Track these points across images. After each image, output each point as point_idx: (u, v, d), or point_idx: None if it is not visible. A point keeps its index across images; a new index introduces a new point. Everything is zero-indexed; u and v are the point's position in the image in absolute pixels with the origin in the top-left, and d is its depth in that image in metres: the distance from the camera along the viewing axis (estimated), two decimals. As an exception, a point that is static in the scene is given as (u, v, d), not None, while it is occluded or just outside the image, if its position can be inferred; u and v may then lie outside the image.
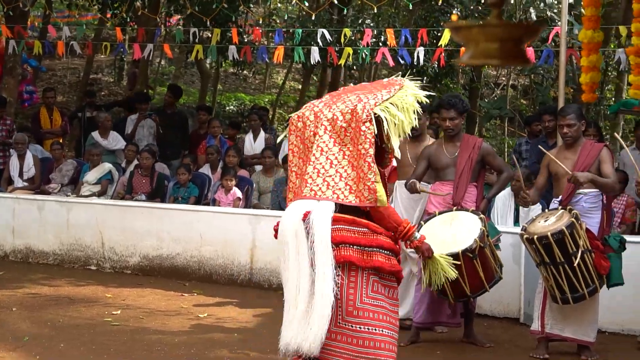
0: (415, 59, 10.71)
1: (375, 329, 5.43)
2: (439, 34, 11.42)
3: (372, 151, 5.48)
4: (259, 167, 11.85)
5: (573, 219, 6.92)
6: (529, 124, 11.65)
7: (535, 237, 6.93)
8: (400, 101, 5.68)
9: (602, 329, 7.85)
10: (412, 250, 6.40)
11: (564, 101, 8.78)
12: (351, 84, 6.36)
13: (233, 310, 8.80)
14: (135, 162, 11.88)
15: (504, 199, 9.61)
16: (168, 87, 14.88)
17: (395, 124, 5.58)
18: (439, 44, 10.19)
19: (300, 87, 25.43)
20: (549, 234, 6.87)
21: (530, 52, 9.70)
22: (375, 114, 5.52)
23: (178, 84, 18.88)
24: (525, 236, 7.07)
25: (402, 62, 10.91)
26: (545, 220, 7.13)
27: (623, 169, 10.40)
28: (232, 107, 23.98)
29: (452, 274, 6.13)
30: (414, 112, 5.69)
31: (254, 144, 12.44)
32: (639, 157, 10.52)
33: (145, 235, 10.62)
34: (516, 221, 9.48)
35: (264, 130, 12.70)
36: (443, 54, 10.17)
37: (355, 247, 5.45)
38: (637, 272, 7.72)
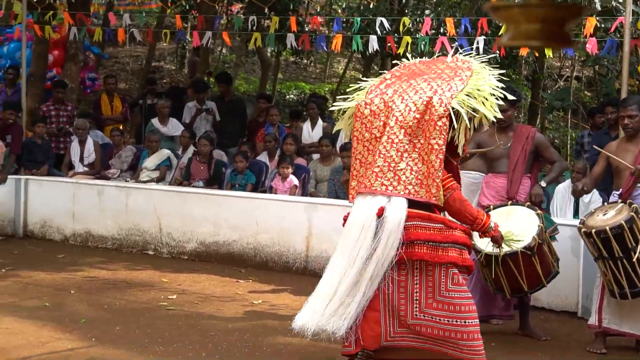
0: (475, 48, 10.60)
1: (458, 321, 5.43)
2: (500, 24, 11.25)
3: (444, 147, 5.43)
4: (316, 156, 11.83)
5: (633, 213, 6.79)
6: (592, 116, 11.49)
7: (594, 231, 6.82)
8: (477, 92, 5.60)
9: (661, 325, 7.70)
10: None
11: (628, 93, 8.64)
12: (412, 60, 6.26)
13: (287, 298, 8.81)
14: (193, 148, 11.95)
15: (563, 191, 9.49)
16: (216, 77, 14.91)
17: (473, 118, 5.54)
18: (500, 34, 10.07)
19: (360, 76, 25.35)
20: (607, 228, 6.75)
21: (593, 42, 9.55)
22: (453, 108, 5.46)
23: (239, 72, 18.97)
24: (583, 230, 6.96)
25: (460, 50, 10.79)
26: (605, 214, 7.00)
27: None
28: (292, 95, 23.99)
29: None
30: (495, 100, 5.62)
31: (311, 133, 12.42)
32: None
33: (202, 222, 10.68)
34: (576, 213, 9.35)
35: (322, 119, 12.68)
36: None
37: (429, 243, 5.43)
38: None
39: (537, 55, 15.13)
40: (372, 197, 5.50)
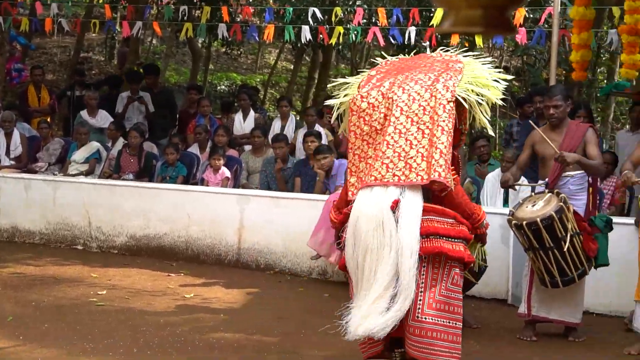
0: (406, 39, 10.63)
1: (450, 322, 5.38)
2: (430, 14, 11.31)
3: (452, 130, 5.39)
4: (248, 147, 11.76)
5: (561, 203, 6.85)
6: (521, 106, 11.58)
7: (524, 223, 6.85)
8: (476, 80, 5.60)
9: (588, 311, 7.86)
10: None
11: (556, 82, 8.73)
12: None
13: (220, 291, 8.74)
14: (122, 141, 11.78)
15: (493, 180, 9.56)
16: (143, 68, 14.73)
17: (480, 103, 5.50)
18: (431, 24, 10.11)
19: (292, 67, 25.31)
20: (538, 220, 6.78)
21: (522, 32, 9.63)
22: (459, 95, 5.44)
23: (169, 63, 18.75)
24: (513, 222, 6.99)
25: (393, 42, 10.85)
26: (533, 205, 7.04)
27: (616, 150, 10.38)
28: (223, 86, 23.87)
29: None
30: (494, 83, 5.62)
31: (243, 124, 12.35)
32: (631, 138, 10.52)
33: (133, 215, 10.54)
34: (505, 202, 9.43)
35: (253, 110, 12.61)
36: (434, 34, 10.11)
37: (445, 238, 5.37)
38: (624, 253, 7.67)
39: (467, 45, 15.21)
40: (385, 189, 5.39)
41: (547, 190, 7.19)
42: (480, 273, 7.40)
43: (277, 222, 9.80)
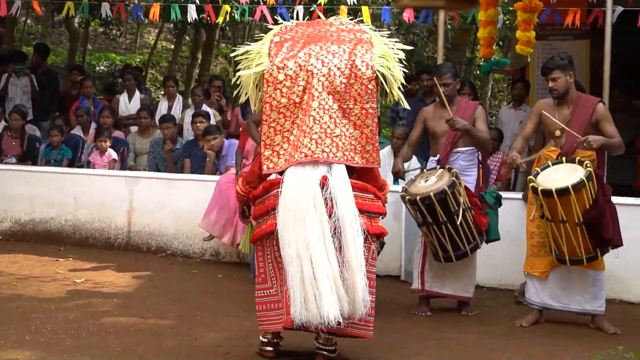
0: (294, 17, 10.58)
1: (370, 297, 5.40)
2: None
3: (377, 110, 5.36)
4: (134, 128, 11.56)
5: (454, 178, 6.97)
6: (407, 84, 11.67)
7: (418, 197, 6.95)
8: (387, 54, 5.56)
9: (480, 285, 8.01)
10: None
11: (441, 60, 8.84)
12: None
13: (111, 275, 8.59)
14: (3, 123, 11.41)
15: (383, 158, 9.60)
16: (34, 47, 14.32)
17: (393, 82, 5.50)
18: (318, 2, 10.09)
19: (172, 47, 25.00)
20: (431, 194, 6.89)
21: (409, 10, 9.71)
22: (378, 71, 5.40)
23: (46, 43, 18.21)
24: (407, 197, 7.07)
25: (281, 20, 10.75)
26: (426, 180, 7.15)
27: (500, 127, 10.60)
28: (102, 67, 23.41)
29: None
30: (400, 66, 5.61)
31: (129, 105, 12.11)
32: (513, 114, 10.78)
33: (17, 200, 10.24)
34: (395, 180, 9.51)
35: (139, 91, 12.39)
36: (322, 12, 10.08)
37: (366, 214, 5.36)
38: (513, 228, 7.86)
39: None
40: (314, 166, 5.33)
41: (438, 166, 7.30)
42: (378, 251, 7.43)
43: (168, 204, 9.69)
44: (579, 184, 6.48)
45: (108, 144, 10.54)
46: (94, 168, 10.47)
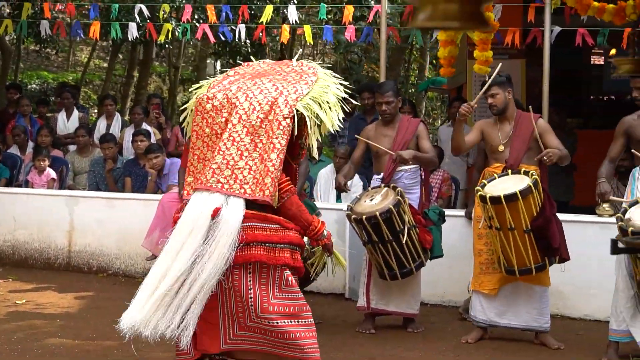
0: (236, 36, 10.61)
1: (292, 321, 5.37)
2: (259, 14, 11.31)
3: (285, 148, 5.37)
4: (73, 147, 11.44)
5: (399, 197, 7.02)
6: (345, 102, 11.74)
7: (364, 217, 6.98)
8: (321, 98, 5.55)
9: (423, 302, 8.04)
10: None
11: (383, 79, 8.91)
12: (238, 70, 6.02)
13: (53, 296, 8.49)
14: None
15: (326, 176, 9.70)
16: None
17: (316, 123, 5.47)
18: (260, 21, 10.13)
19: (105, 65, 24.80)
20: (377, 213, 6.92)
21: (351, 29, 9.79)
22: (297, 110, 5.40)
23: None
24: (352, 216, 7.11)
25: (223, 39, 10.80)
26: (371, 199, 7.19)
27: (439, 145, 10.73)
28: (34, 85, 23.11)
29: (344, 264, 6.56)
30: (336, 111, 5.57)
31: (67, 123, 11.99)
32: (451, 133, 10.89)
33: (-46, 220, 10.05)
34: (338, 198, 9.57)
35: (77, 109, 12.27)
36: (264, 31, 10.12)
37: (266, 244, 5.34)
38: (455, 244, 7.94)
39: (285, 43, 15.35)
40: (209, 195, 5.33)
41: (383, 185, 7.35)
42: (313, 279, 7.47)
43: (109, 223, 9.60)
44: (526, 189, 6.58)
45: (47, 163, 10.42)
46: (32, 187, 10.32)
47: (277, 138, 5.38)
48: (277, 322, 5.34)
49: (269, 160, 5.36)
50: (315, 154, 5.69)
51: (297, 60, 6.15)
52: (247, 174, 5.36)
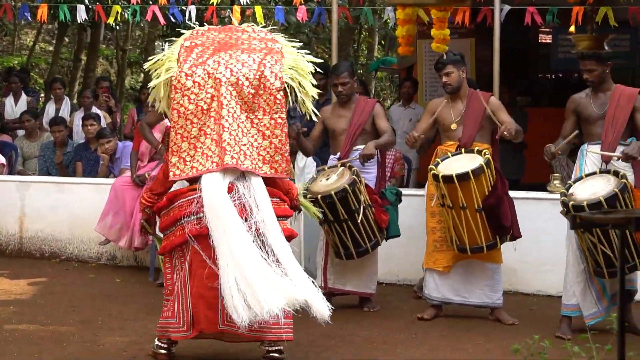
0: (187, 18, 10.53)
1: None
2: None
3: (286, 120, 5.38)
4: (22, 132, 11.29)
5: (354, 176, 7.05)
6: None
7: (319, 196, 6.99)
8: (298, 65, 5.59)
9: (380, 281, 8.07)
10: None
11: (336, 60, 8.91)
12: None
13: (5, 282, 8.39)
14: None
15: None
16: None
17: (303, 91, 5.56)
18: (210, 2, 10.06)
19: (51, 48, 24.47)
20: (332, 192, 6.95)
21: (303, 10, 9.75)
22: (286, 82, 5.42)
23: None
24: (308, 196, 7.12)
25: (173, 20, 10.71)
26: (327, 179, 7.22)
27: (391, 124, 10.75)
28: (-22, 70, 22.71)
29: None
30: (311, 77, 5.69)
31: (15, 108, 11.83)
32: (403, 112, 10.97)
33: None
34: (291, 178, 9.56)
35: (25, 93, 12.11)
36: (215, 12, 10.06)
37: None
38: (410, 224, 7.96)
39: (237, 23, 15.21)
40: (223, 174, 5.34)
41: (339, 164, 7.37)
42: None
43: (61, 208, 9.50)
44: (478, 169, 6.66)
45: (-5, 148, 10.28)
46: (-19, 173, 10.18)
47: (276, 113, 5.45)
48: None
49: (274, 137, 5.42)
50: (314, 117, 5.92)
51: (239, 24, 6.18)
52: (252, 151, 5.40)
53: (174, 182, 5.67)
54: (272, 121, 5.44)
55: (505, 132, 6.87)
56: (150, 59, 5.91)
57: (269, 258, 5.24)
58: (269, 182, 5.60)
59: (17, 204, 9.64)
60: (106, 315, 7.15)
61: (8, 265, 9.15)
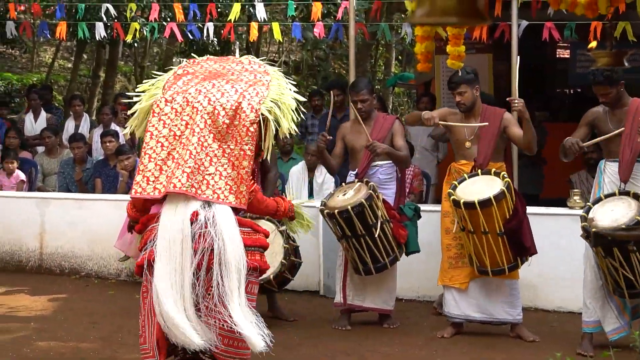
0: (204, 35, 10.58)
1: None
2: (227, 11, 11.27)
3: (254, 153, 5.37)
4: (41, 149, 11.36)
5: (371, 191, 7.06)
6: (311, 99, 11.79)
7: (336, 211, 7.01)
8: (280, 99, 5.54)
9: (399, 297, 8.08)
10: None
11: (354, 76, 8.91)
12: (184, 61, 5.95)
13: (25, 299, 8.43)
14: None
15: (298, 173, 9.70)
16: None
17: (278, 126, 5.47)
18: (228, 19, 10.10)
19: (70, 65, 24.61)
20: (349, 207, 6.96)
21: (320, 26, 9.79)
22: (262, 115, 5.39)
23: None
24: (325, 211, 7.14)
25: (191, 37, 10.77)
26: (344, 194, 7.23)
27: (409, 140, 10.75)
28: (-2, 87, 22.83)
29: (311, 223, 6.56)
30: (294, 113, 5.57)
31: (34, 124, 11.91)
32: (421, 128, 10.94)
33: None
34: (310, 194, 9.59)
35: (48, 111, 12.19)
36: (233, 29, 10.11)
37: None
38: (429, 240, 7.95)
39: (252, 40, 15.29)
40: (187, 201, 5.30)
41: (356, 180, 7.38)
42: (296, 269, 7.53)
43: (81, 225, 9.54)
44: (500, 194, 6.64)
45: (15, 165, 10.35)
46: (1, 190, 10.23)
47: (246, 145, 5.36)
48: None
49: (242, 168, 5.35)
50: (267, 154, 5.63)
51: (241, 55, 6.16)
52: (218, 180, 5.32)
53: (153, 202, 5.60)
54: (242, 152, 5.39)
55: (515, 102, 7.06)
56: (141, 85, 5.93)
57: (218, 288, 5.19)
58: (251, 207, 5.58)
59: (37, 221, 9.69)
60: (126, 332, 7.16)
61: (28, 281, 9.19)
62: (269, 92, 5.56)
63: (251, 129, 5.38)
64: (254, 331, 5.17)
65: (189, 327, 5.06)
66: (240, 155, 5.37)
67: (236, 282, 5.17)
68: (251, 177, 5.50)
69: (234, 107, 5.41)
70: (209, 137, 5.39)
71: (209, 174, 5.32)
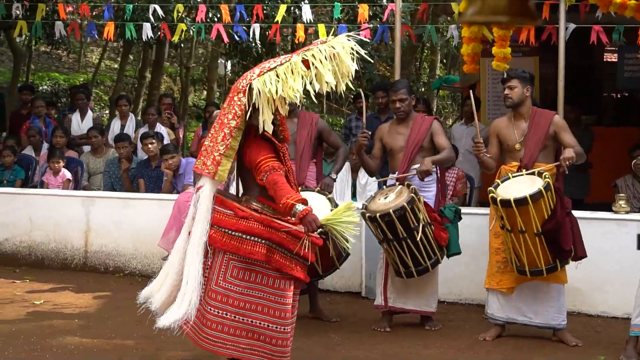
0: (251, 36, 10.62)
1: (226, 314, 5.37)
2: (274, 12, 11.30)
3: (233, 123, 5.32)
4: (87, 148, 11.47)
5: (412, 194, 7.02)
6: (354, 101, 11.81)
7: (378, 214, 6.98)
8: (285, 69, 5.38)
9: (441, 299, 8.04)
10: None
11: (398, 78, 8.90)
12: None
13: (70, 296, 8.51)
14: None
15: (341, 175, 9.69)
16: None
17: (268, 98, 5.31)
18: (275, 20, 10.13)
19: (116, 65, 24.85)
20: (390, 211, 6.93)
21: (366, 29, 9.79)
22: (250, 85, 5.34)
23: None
24: (367, 215, 7.11)
25: (237, 38, 10.83)
26: (385, 197, 7.20)
27: (453, 143, 10.71)
28: (46, 87, 23.12)
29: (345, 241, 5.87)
30: (301, 79, 5.28)
31: (81, 124, 12.02)
32: (465, 130, 10.92)
33: (-30, 221, 10.09)
34: (353, 196, 9.60)
35: (91, 110, 12.30)
36: (279, 30, 10.14)
37: (215, 227, 5.36)
38: (472, 242, 7.93)
39: (297, 42, 15.33)
40: (200, 177, 5.49)
41: (398, 183, 7.36)
42: (343, 258, 7.36)
43: (126, 223, 9.63)
44: (537, 194, 6.57)
45: (62, 164, 10.45)
46: (48, 188, 10.35)
47: (229, 114, 5.34)
48: (212, 310, 5.42)
49: (220, 136, 5.38)
50: (267, 128, 5.36)
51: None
52: (207, 152, 5.42)
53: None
54: (225, 120, 5.40)
55: (563, 165, 6.81)
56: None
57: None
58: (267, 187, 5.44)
59: (83, 219, 9.79)
60: (168, 329, 7.18)
61: (73, 279, 9.29)
62: (280, 66, 5.34)
63: (235, 98, 5.35)
64: (174, 307, 5.52)
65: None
66: (224, 123, 5.37)
67: (195, 255, 5.37)
68: (268, 155, 5.43)
69: (240, 86, 5.40)
70: (221, 116, 5.45)
71: (205, 148, 5.42)
